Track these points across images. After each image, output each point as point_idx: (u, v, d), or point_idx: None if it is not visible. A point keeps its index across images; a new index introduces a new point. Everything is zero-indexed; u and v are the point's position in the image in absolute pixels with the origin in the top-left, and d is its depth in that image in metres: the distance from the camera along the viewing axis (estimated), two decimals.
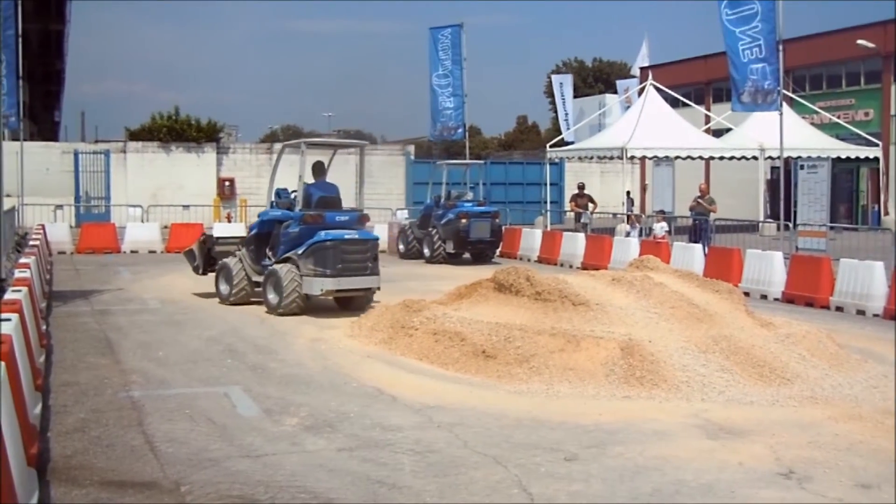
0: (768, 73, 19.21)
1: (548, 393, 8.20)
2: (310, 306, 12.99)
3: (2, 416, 4.60)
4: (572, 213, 26.47)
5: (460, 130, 28.54)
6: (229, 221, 28.77)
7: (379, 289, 13.36)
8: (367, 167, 40.94)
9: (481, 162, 28.44)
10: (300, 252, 12.79)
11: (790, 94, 30.97)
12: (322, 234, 12.74)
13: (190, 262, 15.35)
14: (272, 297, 12.96)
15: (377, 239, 13.40)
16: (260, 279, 13.45)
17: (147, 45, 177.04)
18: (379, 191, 36.01)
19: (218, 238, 15.04)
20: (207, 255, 14.94)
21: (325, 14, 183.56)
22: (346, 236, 12.85)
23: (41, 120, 56.27)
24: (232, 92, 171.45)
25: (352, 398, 7.99)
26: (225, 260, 14.15)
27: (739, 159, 30.85)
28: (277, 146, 39.57)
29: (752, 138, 29.67)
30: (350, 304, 13.23)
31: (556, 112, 42.92)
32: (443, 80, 28.48)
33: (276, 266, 13.01)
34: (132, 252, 23.97)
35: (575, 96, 46.72)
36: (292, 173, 13.94)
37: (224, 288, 13.97)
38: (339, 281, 12.66)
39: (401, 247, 23.14)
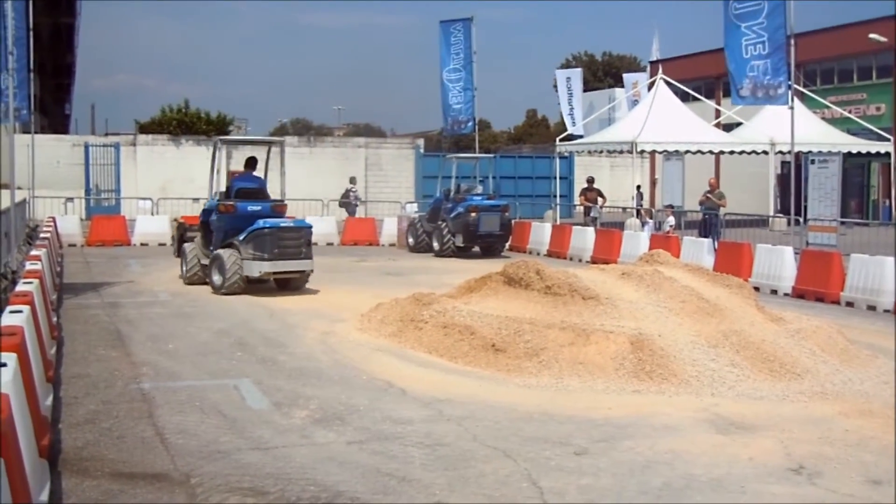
0: (770, 69, 19.10)
1: (558, 387, 8.19)
2: (255, 287, 14.31)
3: (14, 407, 4.62)
4: (582, 207, 26.43)
5: (470, 124, 28.50)
6: None
7: (312, 271, 14.74)
8: (376, 161, 40.55)
9: (491, 156, 28.36)
10: (241, 238, 14.17)
11: (801, 89, 30.83)
12: (260, 223, 14.12)
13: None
14: (217, 278, 14.42)
15: (310, 227, 14.78)
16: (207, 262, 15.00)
17: (157, 39, 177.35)
18: (389, 184, 36.01)
19: (190, 225, 16.74)
20: (181, 240, 16.57)
21: (335, 8, 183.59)
22: (282, 224, 14.29)
23: (52, 113, 56.40)
24: (241, 86, 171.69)
25: (361, 391, 8.00)
26: (187, 243, 15.80)
27: (750, 154, 30.73)
28: (287, 139, 39.68)
29: (762, 133, 29.54)
30: (288, 285, 14.73)
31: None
32: (454, 75, 28.45)
33: (220, 251, 14.48)
34: (142, 245, 24.05)
35: (585, 90, 46.58)
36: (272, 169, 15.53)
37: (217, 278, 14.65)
38: (275, 264, 14.11)
39: (410, 240, 23.13)
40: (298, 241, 14.24)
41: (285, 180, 15.04)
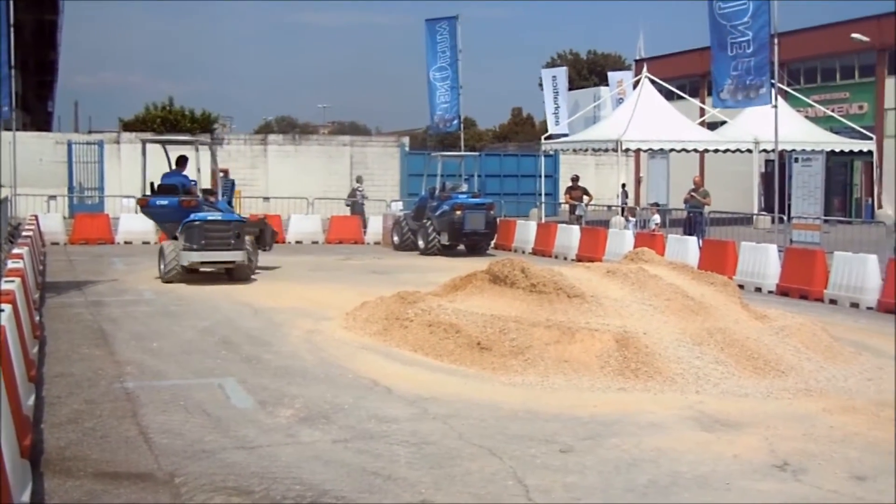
0: (753, 68, 19.18)
1: (543, 385, 8.19)
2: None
3: None
4: (567, 206, 26.47)
5: (455, 122, 28.48)
6: None
7: (243, 262, 15.53)
8: (362, 159, 40.48)
9: (476, 154, 28.38)
10: (179, 230, 15.32)
11: (785, 88, 30.98)
12: (192, 216, 15.19)
13: None
14: (162, 266, 15.61)
15: (241, 220, 15.87)
16: None
17: (141, 36, 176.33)
18: (374, 182, 35.94)
19: None
20: None
21: (322, 7, 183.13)
22: (209, 217, 15.29)
23: (34, 110, 55.94)
24: (227, 83, 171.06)
25: (347, 390, 7.97)
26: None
27: (734, 152, 30.86)
28: (272, 137, 39.57)
29: (746, 131, 29.68)
30: (233, 275, 15.65)
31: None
32: (440, 73, 28.43)
33: (164, 242, 16.01)
34: (126, 243, 23.90)
35: (570, 88, 46.64)
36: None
37: None
38: (203, 254, 15.15)
39: (395, 238, 23.10)
40: (226, 233, 15.19)
41: (217, 179, 16.61)
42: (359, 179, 30.73)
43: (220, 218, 15.35)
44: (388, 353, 9.52)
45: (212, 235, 15.12)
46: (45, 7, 34.56)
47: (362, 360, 9.21)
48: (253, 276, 16.16)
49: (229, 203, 17.08)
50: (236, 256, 15.41)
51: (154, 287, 14.88)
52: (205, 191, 16.24)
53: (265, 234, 17.15)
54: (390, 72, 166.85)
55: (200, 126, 37.15)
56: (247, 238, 15.94)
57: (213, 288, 14.70)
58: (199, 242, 15.03)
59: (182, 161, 16.54)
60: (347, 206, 28.93)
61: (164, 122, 36.58)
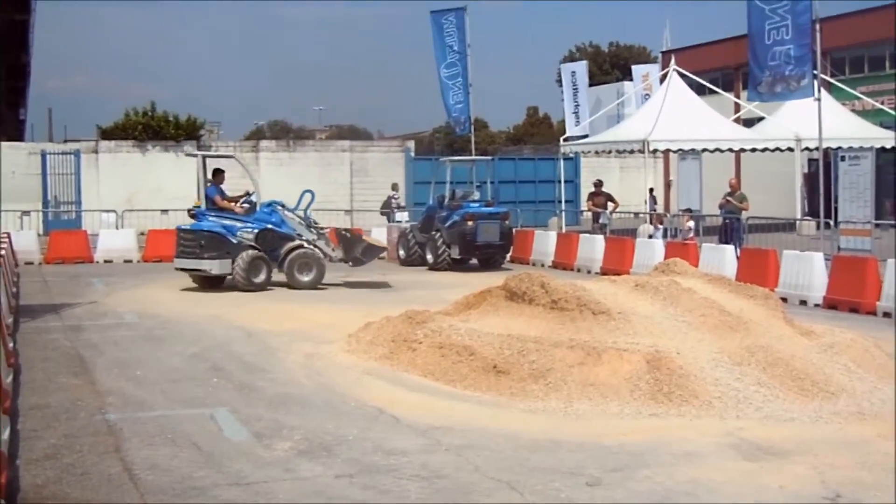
0: (792, 57, 19.17)
1: (566, 411, 8.19)
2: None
3: None
4: (590, 214, 26.47)
5: (466, 124, 28.55)
6: None
7: (220, 273, 17.33)
8: (362, 166, 40.87)
9: (489, 158, 28.43)
10: None
11: (828, 79, 30.95)
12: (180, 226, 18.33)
13: None
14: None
15: (206, 231, 17.29)
16: None
17: (119, 37, 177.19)
18: (377, 191, 35.95)
19: None
20: None
21: None
22: (182, 227, 18.05)
23: (5, 119, 56.28)
24: (213, 86, 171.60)
25: (350, 419, 7.99)
26: None
27: (773, 151, 30.78)
28: (265, 143, 39.76)
29: (787, 128, 29.61)
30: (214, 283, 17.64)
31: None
32: (450, 70, 28.48)
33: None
34: (106, 262, 24.00)
35: (591, 84, 46.72)
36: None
37: None
38: (179, 261, 17.76)
39: (401, 252, 23.13)
40: (192, 242, 17.31)
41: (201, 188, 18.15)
42: (394, 187, 30.75)
43: (187, 227, 17.71)
44: (395, 378, 9.53)
45: (183, 244, 17.51)
46: (16, 6, 34.92)
47: (367, 386, 9.23)
48: (269, 288, 17.40)
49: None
50: (205, 265, 17.26)
51: (137, 309, 14.95)
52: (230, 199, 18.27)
53: (348, 245, 18.55)
54: (393, 69, 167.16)
55: (186, 132, 37.28)
56: (247, 253, 17.28)
57: (202, 311, 14.76)
58: (178, 249, 17.67)
59: (218, 174, 18.27)
60: (383, 215, 29.01)
61: (146, 129, 36.73)
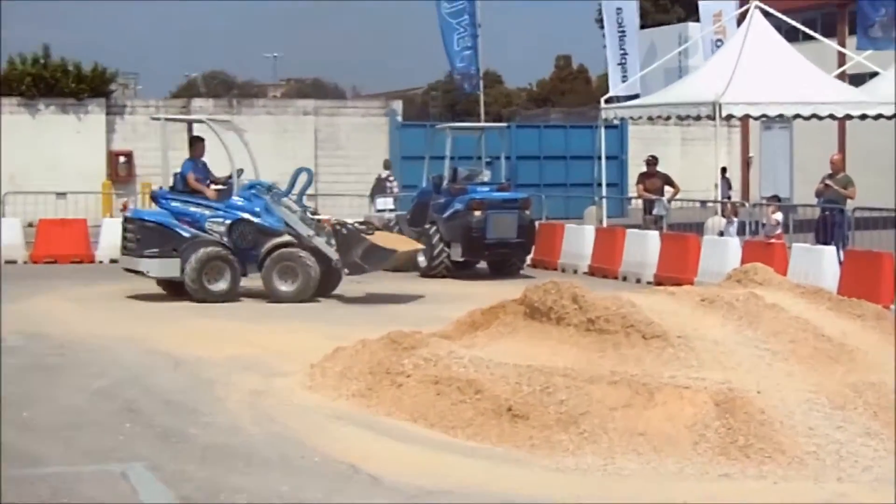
0: None
1: (607, 470, 8.21)
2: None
3: None
4: (640, 202, 26.49)
5: (475, 80, 28.55)
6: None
7: (154, 275, 17.91)
8: (331, 134, 41.11)
9: (503, 125, 28.46)
10: None
11: None
12: None
13: None
14: None
15: (140, 219, 18.21)
16: None
17: None
18: (351, 169, 35.85)
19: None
20: None
21: None
22: (127, 215, 19.45)
23: None
24: (127, 25, 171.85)
25: (313, 479, 8.01)
26: None
27: (890, 118, 30.84)
28: (198, 103, 39.68)
29: None
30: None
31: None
32: (455, 5, 28.46)
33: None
34: None
35: (642, 26, 46.72)
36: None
37: None
38: (123, 260, 18.72)
39: None
40: (132, 234, 18.04)
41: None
42: (387, 165, 30.65)
43: (128, 215, 18.95)
44: (373, 424, 9.55)
45: (125, 237, 18.35)
46: None
47: (335, 434, 9.25)
48: (239, 299, 17.80)
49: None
50: (138, 265, 17.90)
51: (23, 328, 14.87)
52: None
53: (345, 245, 18.03)
54: (373, 2, 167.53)
55: (91, 88, 37.18)
56: (203, 251, 17.43)
57: (114, 330, 14.71)
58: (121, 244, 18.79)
59: (197, 144, 18.79)
60: (372, 201, 29.01)
61: (36, 83, 36.66)
